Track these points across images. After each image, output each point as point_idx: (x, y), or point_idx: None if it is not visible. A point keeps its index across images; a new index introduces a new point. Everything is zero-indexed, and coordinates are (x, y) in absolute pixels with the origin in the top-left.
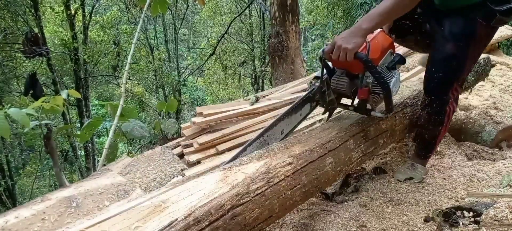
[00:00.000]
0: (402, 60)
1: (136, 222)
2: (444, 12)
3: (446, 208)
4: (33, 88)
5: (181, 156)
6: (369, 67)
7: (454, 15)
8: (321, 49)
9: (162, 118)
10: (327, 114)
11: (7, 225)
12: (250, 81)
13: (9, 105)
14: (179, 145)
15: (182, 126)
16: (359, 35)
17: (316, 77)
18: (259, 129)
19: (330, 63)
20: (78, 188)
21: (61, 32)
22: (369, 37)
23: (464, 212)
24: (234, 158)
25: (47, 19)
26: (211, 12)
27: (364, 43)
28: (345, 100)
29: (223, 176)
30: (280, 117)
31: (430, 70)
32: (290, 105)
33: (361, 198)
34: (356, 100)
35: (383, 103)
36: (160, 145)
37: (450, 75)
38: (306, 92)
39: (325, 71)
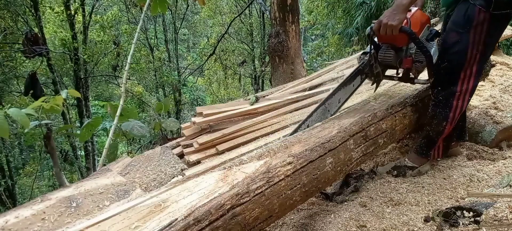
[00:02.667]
0: (438, 33)
1: (136, 221)
2: (450, 12)
3: (446, 208)
4: (33, 88)
5: (181, 156)
6: (413, 38)
7: (456, 8)
8: (369, 28)
9: (162, 118)
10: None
11: (7, 225)
12: (250, 81)
13: (9, 105)
14: (179, 145)
15: (182, 125)
16: (401, 11)
17: (364, 53)
18: (259, 129)
19: (375, 40)
20: (78, 188)
21: (61, 32)
22: (408, 14)
23: (464, 212)
24: (298, 127)
25: (47, 19)
26: (211, 12)
27: (405, 20)
28: (390, 73)
29: (223, 176)
30: (337, 88)
31: (437, 63)
32: (345, 78)
33: (361, 198)
34: (400, 71)
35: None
36: (160, 145)
37: (454, 64)
38: (357, 65)
39: (372, 47)
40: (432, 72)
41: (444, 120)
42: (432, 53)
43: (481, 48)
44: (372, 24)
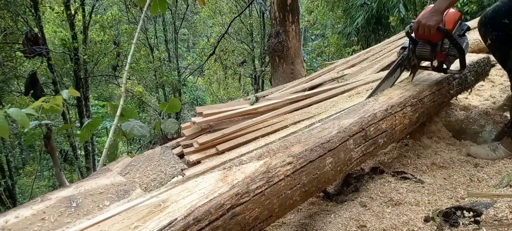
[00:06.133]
0: (468, 28)
1: (136, 221)
2: None
3: (446, 208)
4: (33, 88)
5: (181, 155)
6: (448, 37)
7: None
8: (408, 26)
9: (162, 118)
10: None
11: (7, 225)
12: (250, 81)
13: (9, 105)
14: (179, 145)
15: (182, 125)
16: (438, 13)
17: (403, 48)
18: (259, 129)
19: (413, 36)
20: (78, 188)
21: (61, 32)
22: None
23: (464, 212)
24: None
25: (47, 19)
26: (211, 12)
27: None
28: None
29: (223, 176)
30: (382, 80)
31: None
32: (388, 71)
33: (361, 198)
34: (435, 63)
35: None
36: (160, 145)
37: None
38: (397, 60)
39: (410, 42)
40: (464, 64)
41: None
42: (464, 47)
43: None
44: (411, 23)
